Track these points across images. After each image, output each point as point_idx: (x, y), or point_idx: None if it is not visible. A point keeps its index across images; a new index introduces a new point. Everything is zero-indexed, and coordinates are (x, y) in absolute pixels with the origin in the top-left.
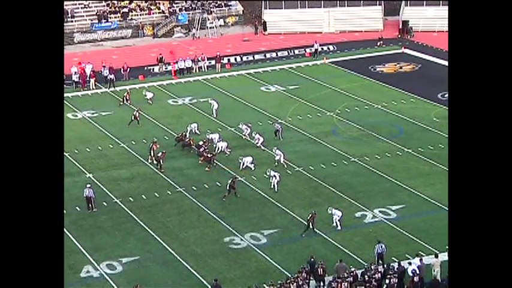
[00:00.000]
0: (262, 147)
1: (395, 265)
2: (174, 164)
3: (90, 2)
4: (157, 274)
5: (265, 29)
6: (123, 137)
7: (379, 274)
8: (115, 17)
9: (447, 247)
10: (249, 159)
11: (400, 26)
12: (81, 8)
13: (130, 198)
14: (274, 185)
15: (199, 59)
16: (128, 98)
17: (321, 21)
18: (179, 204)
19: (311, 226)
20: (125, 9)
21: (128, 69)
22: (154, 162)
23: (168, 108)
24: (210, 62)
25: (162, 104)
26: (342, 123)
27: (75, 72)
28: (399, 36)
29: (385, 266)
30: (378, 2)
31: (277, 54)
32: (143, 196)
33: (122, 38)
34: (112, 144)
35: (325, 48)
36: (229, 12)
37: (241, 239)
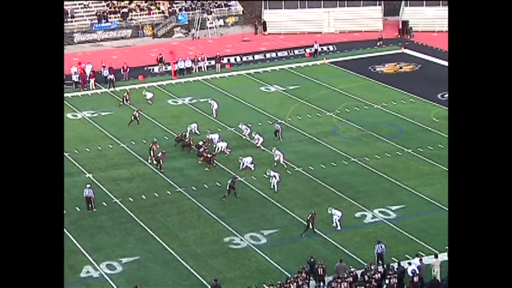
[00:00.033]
0: (262, 148)
1: (395, 265)
2: (173, 164)
3: (90, 2)
4: (157, 274)
5: (265, 29)
6: (122, 137)
7: (379, 274)
8: (115, 17)
9: (447, 247)
10: (249, 159)
11: (400, 26)
12: (81, 8)
13: (130, 198)
14: (274, 185)
15: (199, 59)
16: (127, 98)
17: (321, 21)
18: (179, 204)
19: (311, 226)
20: (125, 10)
21: (128, 69)
22: (154, 162)
23: (168, 108)
24: (209, 62)
25: (161, 104)
26: (341, 123)
27: (75, 73)
28: (399, 36)
29: (385, 266)
30: (377, 2)
31: (277, 55)
32: (143, 196)
33: (122, 38)
34: (112, 144)
35: (325, 48)
36: (229, 13)
37: (241, 239)
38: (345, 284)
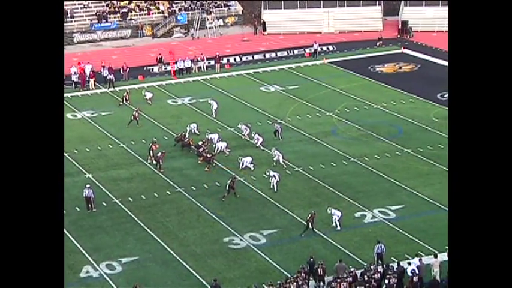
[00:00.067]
0: (262, 148)
1: (395, 265)
2: (173, 164)
3: (90, 2)
4: (156, 274)
5: (264, 29)
6: (122, 137)
7: (379, 274)
8: (114, 17)
9: (447, 247)
10: (249, 159)
11: (400, 26)
12: (81, 8)
13: (129, 198)
14: (273, 185)
15: (199, 59)
16: (127, 98)
17: (321, 21)
18: (178, 204)
19: (310, 226)
20: (125, 10)
21: (128, 69)
22: (154, 162)
23: (168, 108)
24: (209, 62)
25: (161, 104)
26: (341, 123)
27: (75, 73)
28: (399, 36)
29: (385, 266)
30: (377, 2)
31: (276, 55)
32: (142, 196)
33: (122, 38)
34: (111, 144)
35: (324, 48)
36: (229, 13)
37: (241, 239)
38: (345, 284)
